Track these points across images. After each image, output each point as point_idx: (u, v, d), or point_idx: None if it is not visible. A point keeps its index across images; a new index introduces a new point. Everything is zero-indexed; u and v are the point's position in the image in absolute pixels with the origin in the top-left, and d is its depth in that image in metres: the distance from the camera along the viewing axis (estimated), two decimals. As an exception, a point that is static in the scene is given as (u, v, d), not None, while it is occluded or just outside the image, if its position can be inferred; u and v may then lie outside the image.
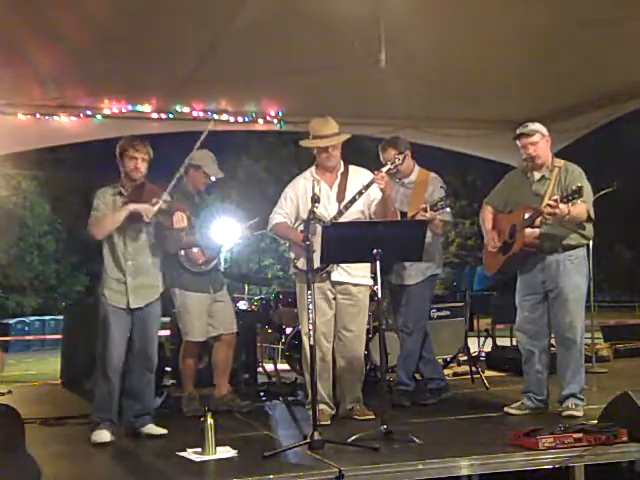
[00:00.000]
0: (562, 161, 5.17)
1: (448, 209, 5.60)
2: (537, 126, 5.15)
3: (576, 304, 5.04)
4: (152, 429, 4.81)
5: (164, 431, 4.82)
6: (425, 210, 5.44)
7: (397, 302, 5.82)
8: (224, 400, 5.57)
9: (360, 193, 5.06)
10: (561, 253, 5.04)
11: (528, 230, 5.00)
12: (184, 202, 5.15)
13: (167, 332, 6.80)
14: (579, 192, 4.69)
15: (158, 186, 4.86)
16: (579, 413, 4.98)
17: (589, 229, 5.08)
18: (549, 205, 4.77)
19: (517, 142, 5.17)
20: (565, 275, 5.03)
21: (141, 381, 4.83)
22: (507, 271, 5.34)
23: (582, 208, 4.92)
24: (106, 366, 4.68)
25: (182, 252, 5.45)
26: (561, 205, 4.74)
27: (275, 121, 7.83)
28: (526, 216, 5.00)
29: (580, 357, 5.10)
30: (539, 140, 5.09)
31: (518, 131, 5.18)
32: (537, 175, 5.16)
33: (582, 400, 5.06)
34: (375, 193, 5.12)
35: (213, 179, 5.68)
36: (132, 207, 4.72)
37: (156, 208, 4.74)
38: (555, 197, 4.79)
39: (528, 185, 5.17)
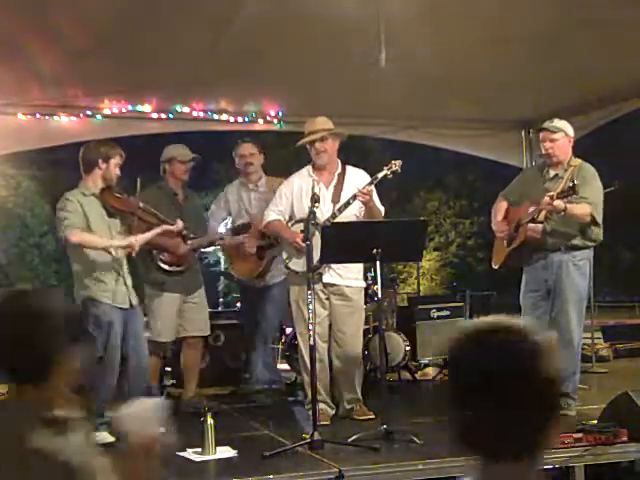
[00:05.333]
0: (579, 161, 5.17)
1: None
2: (562, 124, 5.16)
3: (575, 306, 5.05)
4: None
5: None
6: None
7: (262, 304, 6.02)
8: (191, 402, 5.55)
9: (354, 197, 5.03)
10: (565, 253, 5.04)
11: (531, 225, 5.02)
12: (164, 203, 5.38)
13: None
14: (573, 189, 4.71)
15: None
16: (572, 412, 5.00)
17: (596, 232, 5.05)
18: (545, 200, 4.82)
19: (540, 135, 5.19)
20: (567, 276, 5.03)
21: (140, 382, 4.83)
22: (511, 265, 5.36)
23: (584, 209, 4.92)
24: (112, 369, 4.65)
25: (155, 251, 5.47)
26: (556, 201, 4.77)
27: (275, 121, 7.84)
28: (529, 210, 5.04)
29: (576, 358, 5.12)
30: (560, 138, 5.10)
31: (543, 125, 5.18)
32: (552, 173, 5.18)
33: (575, 400, 5.08)
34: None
35: (191, 164, 5.76)
36: (120, 243, 4.77)
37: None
38: (552, 193, 4.82)
39: (542, 182, 5.19)
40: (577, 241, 5.05)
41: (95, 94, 6.92)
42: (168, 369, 6.54)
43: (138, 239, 4.80)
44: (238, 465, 4.06)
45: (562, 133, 5.11)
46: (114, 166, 4.81)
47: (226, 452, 4.22)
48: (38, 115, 7.07)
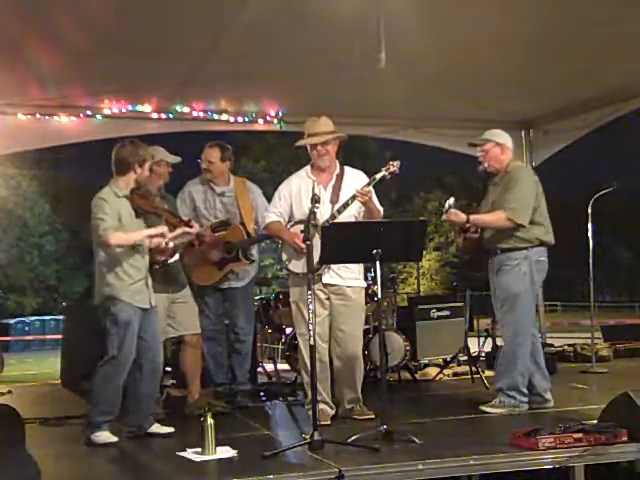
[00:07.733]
0: (513, 166, 5.36)
1: None
2: (491, 134, 5.39)
3: (504, 302, 5.20)
4: (159, 428, 4.81)
5: (170, 429, 4.82)
6: None
7: (230, 306, 6.01)
8: (198, 404, 5.48)
9: (353, 198, 5.03)
10: (500, 255, 5.24)
11: (467, 234, 5.37)
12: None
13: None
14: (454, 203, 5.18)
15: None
16: (492, 410, 5.11)
17: (527, 233, 5.17)
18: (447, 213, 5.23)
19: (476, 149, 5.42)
20: (500, 276, 5.24)
21: (153, 382, 4.83)
22: (476, 270, 5.70)
23: (494, 216, 5.18)
24: (123, 369, 4.63)
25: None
26: (452, 215, 5.16)
27: (275, 121, 7.84)
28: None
29: (511, 354, 5.18)
30: (490, 148, 5.33)
31: (473, 141, 5.45)
32: (494, 180, 5.40)
33: (513, 398, 5.12)
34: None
35: (171, 169, 5.70)
36: (151, 231, 4.79)
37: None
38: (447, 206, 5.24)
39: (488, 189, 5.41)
40: (507, 244, 5.19)
41: (95, 94, 6.93)
42: (168, 369, 6.54)
43: (168, 235, 4.87)
44: (238, 465, 4.05)
45: (491, 143, 5.32)
46: (147, 169, 4.83)
47: (226, 452, 4.21)
48: (38, 115, 7.08)
